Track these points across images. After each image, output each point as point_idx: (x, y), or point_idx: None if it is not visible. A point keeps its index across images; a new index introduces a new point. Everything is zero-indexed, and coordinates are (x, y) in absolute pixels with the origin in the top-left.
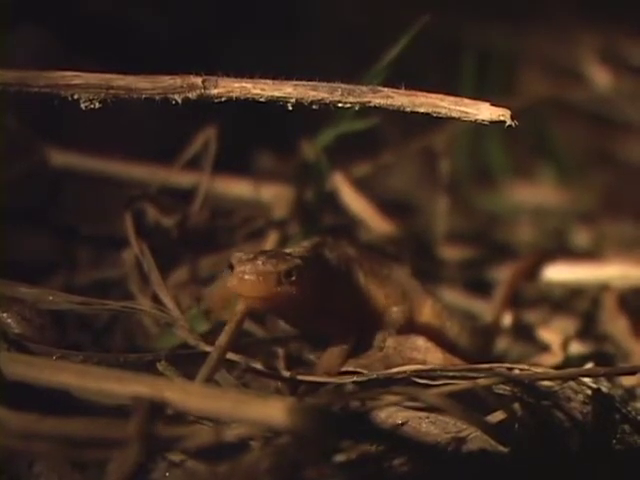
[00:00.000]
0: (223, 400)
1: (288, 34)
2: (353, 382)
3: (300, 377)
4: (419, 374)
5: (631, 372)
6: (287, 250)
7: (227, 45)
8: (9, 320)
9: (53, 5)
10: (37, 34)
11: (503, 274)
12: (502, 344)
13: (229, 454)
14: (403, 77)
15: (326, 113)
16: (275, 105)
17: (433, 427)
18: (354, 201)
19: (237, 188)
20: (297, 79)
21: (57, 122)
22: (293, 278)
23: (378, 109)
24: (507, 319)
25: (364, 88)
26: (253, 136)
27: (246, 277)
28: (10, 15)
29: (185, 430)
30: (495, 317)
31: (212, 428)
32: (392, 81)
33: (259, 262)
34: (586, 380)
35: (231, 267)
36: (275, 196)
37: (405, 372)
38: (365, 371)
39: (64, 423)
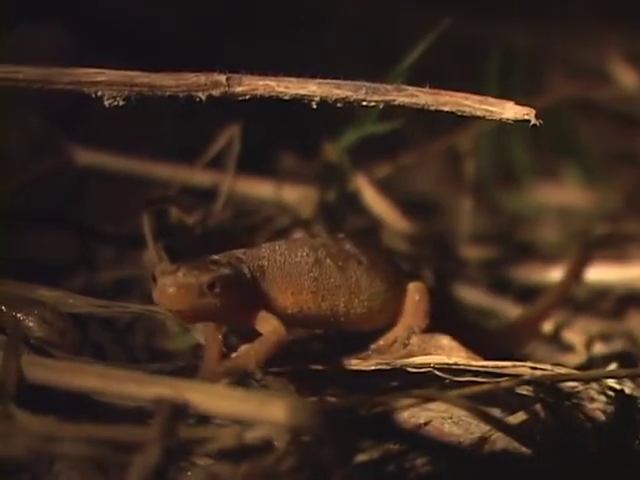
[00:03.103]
0: (246, 401)
1: (304, 33)
2: (376, 371)
3: (319, 368)
4: (442, 368)
5: None
6: (216, 257)
7: (242, 44)
8: (30, 323)
9: (69, 2)
10: (53, 31)
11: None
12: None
13: (252, 455)
14: (427, 77)
15: (349, 113)
16: (299, 105)
17: (456, 427)
18: (376, 202)
19: (260, 189)
20: (321, 77)
21: (80, 120)
22: (217, 290)
23: (401, 108)
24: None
25: (388, 87)
26: (276, 137)
27: (167, 290)
28: (25, 12)
29: (207, 432)
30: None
31: (234, 429)
32: (416, 81)
33: (180, 274)
34: (609, 381)
35: (154, 279)
36: (298, 197)
37: (429, 364)
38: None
39: (85, 427)
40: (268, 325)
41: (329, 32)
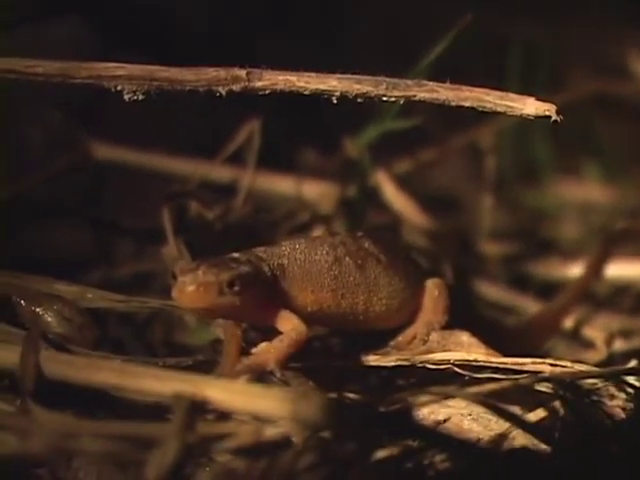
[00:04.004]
0: (264, 398)
1: (333, 33)
2: (396, 367)
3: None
4: (462, 365)
5: None
6: (236, 255)
7: (271, 42)
8: (49, 319)
9: None
10: (73, 26)
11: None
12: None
13: (270, 452)
14: (449, 73)
15: (370, 109)
16: (320, 101)
17: (475, 424)
18: (397, 198)
19: (280, 184)
20: (342, 73)
21: (100, 115)
22: (236, 288)
23: (422, 104)
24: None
25: (409, 82)
26: (297, 132)
27: (187, 288)
28: (45, 7)
29: (226, 428)
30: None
31: (253, 426)
32: (438, 77)
33: (200, 272)
34: (629, 378)
35: (174, 277)
36: (318, 193)
37: (448, 361)
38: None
39: (103, 424)
40: (288, 323)
41: (353, 31)
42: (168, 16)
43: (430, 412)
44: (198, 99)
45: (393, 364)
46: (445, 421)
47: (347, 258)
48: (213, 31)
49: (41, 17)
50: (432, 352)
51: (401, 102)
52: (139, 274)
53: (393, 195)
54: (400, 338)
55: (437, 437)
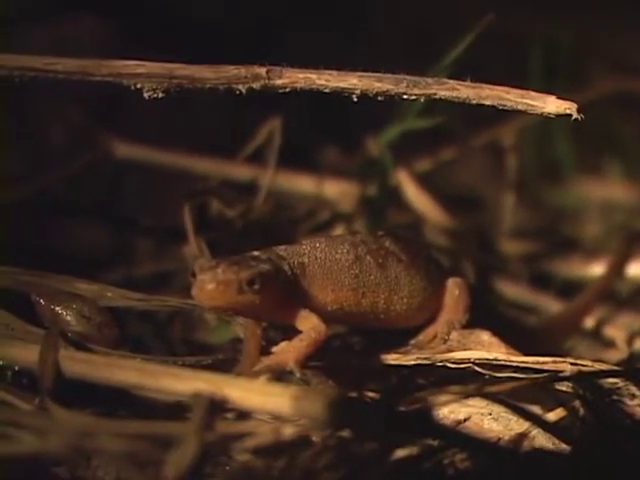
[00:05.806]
0: (284, 397)
1: (353, 31)
2: (416, 366)
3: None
4: (482, 364)
5: None
6: (256, 253)
7: (290, 41)
8: (69, 317)
9: None
10: (96, 23)
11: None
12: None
13: (289, 451)
14: (470, 72)
15: (391, 108)
16: (341, 100)
17: (495, 424)
18: (418, 196)
19: (301, 183)
20: (362, 70)
21: (120, 113)
22: (256, 286)
23: (444, 103)
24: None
25: (430, 80)
26: (318, 131)
27: (206, 286)
28: (67, 5)
29: (245, 427)
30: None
31: (273, 425)
32: (459, 76)
33: (219, 270)
34: None
35: (194, 275)
36: (339, 191)
37: (469, 360)
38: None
39: (122, 423)
40: (308, 322)
41: (373, 29)
42: (184, 13)
43: (450, 411)
44: (218, 97)
45: (413, 363)
46: (465, 420)
47: (368, 257)
48: (230, 28)
49: (59, 15)
50: (452, 351)
51: (422, 100)
52: (159, 273)
53: (414, 194)
54: (421, 337)
55: (457, 436)
